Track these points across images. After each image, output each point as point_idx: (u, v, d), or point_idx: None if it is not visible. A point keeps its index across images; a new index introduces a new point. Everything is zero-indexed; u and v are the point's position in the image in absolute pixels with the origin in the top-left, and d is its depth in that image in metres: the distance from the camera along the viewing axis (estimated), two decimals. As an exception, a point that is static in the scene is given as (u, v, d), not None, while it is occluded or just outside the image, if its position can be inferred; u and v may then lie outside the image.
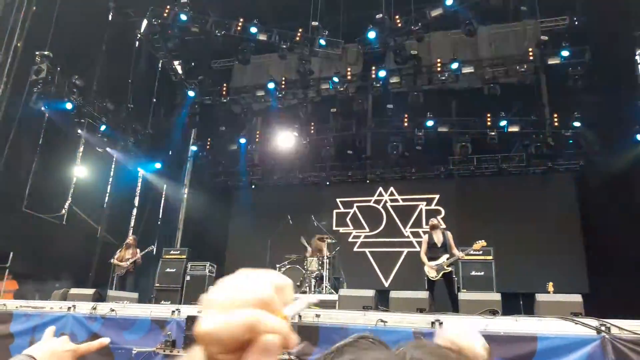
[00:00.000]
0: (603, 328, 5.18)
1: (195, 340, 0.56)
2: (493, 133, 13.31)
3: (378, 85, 13.73)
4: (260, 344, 0.53)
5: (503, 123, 13.32)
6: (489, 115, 13.38)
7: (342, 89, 13.88)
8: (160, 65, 15.20)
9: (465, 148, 13.71)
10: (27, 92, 10.92)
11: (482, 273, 9.10)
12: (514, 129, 13.35)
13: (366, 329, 6.17)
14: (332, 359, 0.55)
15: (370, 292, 7.56)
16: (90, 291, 8.61)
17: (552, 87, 13.45)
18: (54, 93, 11.53)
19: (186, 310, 7.38)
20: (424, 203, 14.67)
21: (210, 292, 0.58)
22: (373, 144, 15.22)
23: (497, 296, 7.14)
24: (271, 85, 14.48)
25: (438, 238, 8.80)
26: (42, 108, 11.30)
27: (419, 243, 14.05)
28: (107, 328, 7.29)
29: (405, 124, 13.95)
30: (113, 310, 7.45)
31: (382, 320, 6.12)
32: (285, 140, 15.04)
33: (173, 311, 7.37)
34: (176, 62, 15.37)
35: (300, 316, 6.61)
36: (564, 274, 11.76)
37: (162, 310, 7.61)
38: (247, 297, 0.55)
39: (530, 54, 12.61)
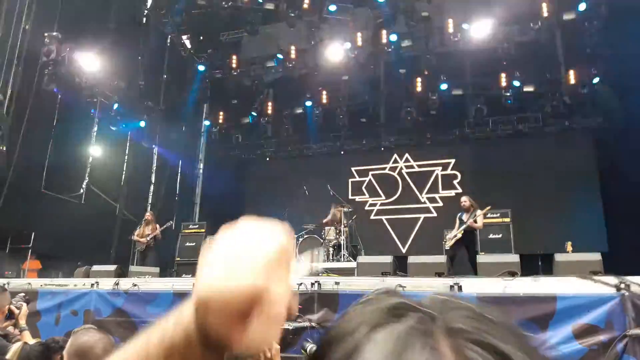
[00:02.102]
0: (622, 286, 5.15)
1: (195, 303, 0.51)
2: (508, 94, 13.12)
3: (390, 50, 13.50)
4: (265, 314, 0.50)
5: (518, 83, 13.08)
6: (503, 75, 13.15)
7: (353, 55, 13.67)
8: (169, 41, 15.10)
9: (480, 110, 13.55)
10: (38, 74, 10.95)
11: (500, 235, 9.10)
12: (530, 88, 13.13)
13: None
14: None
15: (388, 259, 7.61)
16: (112, 267, 8.78)
17: (567, 43, 13.08)
18: (65, 73, 11.55)
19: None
20: (440, 168, 14.58)
21: (212, 246, 0.54)
22: (386, 110, 15.05)
23: (515, 258, 7.14)
24: (281, 55, 14.32)
25: (467, 217, 8.97)
26: (55, 89, 11.35)
27: (436, 209, 14.11)
28: (130, 303, 7.46)
29: (419, 89, 13.77)
30: (135, 285, 7.60)
31: (400, 285, 6.16)
32: (297, 110, 14.96)
33: (194, 284, 7.49)
34: (184, 37, 15.26)
35: (319, 284, 6.69)
36: (582, 233, 11.69)
37: (183, 283, 7.75)
38: (254, 261, 0.51)
39: (545, 9, 12.24)
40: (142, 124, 14.16)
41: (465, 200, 9.15)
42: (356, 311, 0.50)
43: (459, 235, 8.87)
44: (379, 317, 0.47)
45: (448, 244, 9.07)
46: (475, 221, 8.82)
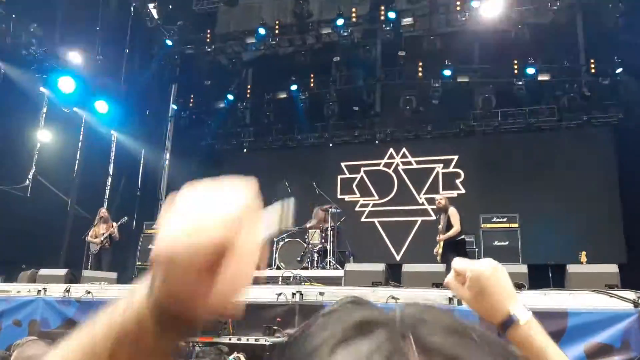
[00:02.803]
0: (642, 301, 5.28)
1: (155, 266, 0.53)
2: (520, 83, 13.23)
3: (388, 28, 13.55)
4: (230, 270, 0.52)
5: (532, 71, 13.21)
6: (515, 62, 13.25)
7: (346, 33, 13.69)
8: (132, 10, 14.97)
9: (489, 101, 13.64)
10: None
11: (507, 243, 9.22)
12: (545, 77, 13.25)
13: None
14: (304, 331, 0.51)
15: (380, 267, 7.65)
16: (62, 272, 8.73)
17: (588, 27, 13.25)
18: (10, 45, 11.41)
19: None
20: (441, 165, 14.68)
21: (174, 203, 0.56)
22: (383, 98, 15.11)
23: (523, 268, 7.22)
24: (263, 31, 14.29)
25: (442, 221, 9.01)
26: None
27: (435, 212, 14.20)
28: (83, 313, 7.42)
29: (420, 74, 13.83)
30: (89, 292, 7.57)
31: (393, 297, 6.23)
32: (280, 95, 14.97)
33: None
34: (151, 5, 15.12)
35: (302, 294, 6.74)
36: (598, 241, 11.88)
37: (145, 290, 7.72)
38: (218, 215, 0.53)
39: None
40: (100, 105, 14.04)
41: (441, 199, 9.20)
42: (318, 325, 0.50)
43: (440, 251, 8.92)
44: (343, 334, 0.47)
45: (439, 257, 9.09)
46: (450, 224, 8.86)
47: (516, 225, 9.42)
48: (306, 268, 9.91)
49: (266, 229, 0.59)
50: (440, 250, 9.02)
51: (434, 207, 14.10)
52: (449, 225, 9.00)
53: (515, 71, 13.30)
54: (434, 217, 14.13)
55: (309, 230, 10.68)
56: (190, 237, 0.52)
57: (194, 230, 0.52)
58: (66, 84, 12.99)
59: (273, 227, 0.63)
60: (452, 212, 8.98)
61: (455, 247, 8.92)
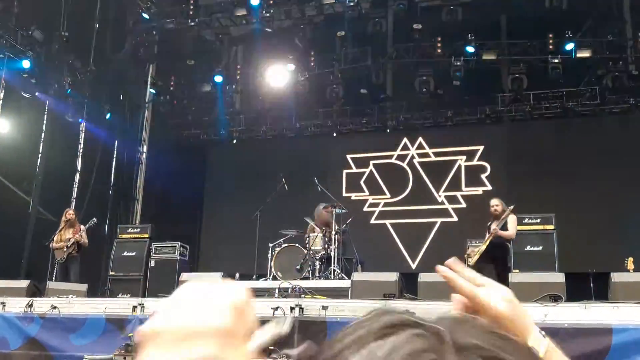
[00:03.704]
0: (699, 315, 5.28)
1: None
2: (556, 60, 13.18)
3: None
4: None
5: (570, 46, 13.17)
6: (551, 36, 13.22)
7: (352, 3, 13.66)
8: (103, -22, 14.95)
9: (519, 82, 13.61)
10: None
11: (540, 248, 9.21)
12: (585, 54, 13.19)
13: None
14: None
15: (393, 276, 7.68)
16: (23, 283, 8.77)
17: (637, -5, 13.22)
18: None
19: (151, 305, 7.54)
20: (464, 158, 14.66)
21: (153, 320, 0.62)
22: (395, 79, 15.09)
23: (559, 277, 7.24)
24: (255, 1, 14.26)
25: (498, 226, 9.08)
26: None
27: (457, 211, 14.21)
28: (48, 331, 7.48)
29: (439, 51, 13.81)
30: (55, 307, 7.61)
31: (408, 312, 6.23)
32: (276, 76, 14.94)
33: (134, 306, 7.55)
34: (125, -27, 15.13)
35: (302, 308, 6.75)
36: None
37: (119, 305, 7.78)
38: (203, 328, 0.58)
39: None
40: (66, 89, 14.05)
41: (497, 205, 9.20)
42: (345, 335, 0.55)
43: (483, 247, 8.96)
44: (373, 336, 0.52)
45: (472, 259, 9.14)
46: (504, 228, 8.92)
47: (552, 227, 9.41)
48: (307, 278, 9.91)
49: (258, 337, 0.66)
50: (478, 254, 8.96)
51: (459, 205, 14.27)
52: (503, 229, 9.01)
53: (550, 47, 13.24)
54: (455, 218, 14.20)
55: (310, 234, 10.67)
56: (182, 318, 0.59)
57: (179, 342, 0.57)
58: (27, 65, 13.01)
59: (265, 335, 0.69)
60: (513, 219, 9.01)
61: (499, 252, 8.97)
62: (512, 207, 9.03)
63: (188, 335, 0.57)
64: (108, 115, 15.28)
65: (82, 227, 10.83)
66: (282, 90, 15.02)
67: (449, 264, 0.98)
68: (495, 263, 8.92)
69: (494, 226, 9.14)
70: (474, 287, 0.97)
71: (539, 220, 9.48)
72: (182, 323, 0.58)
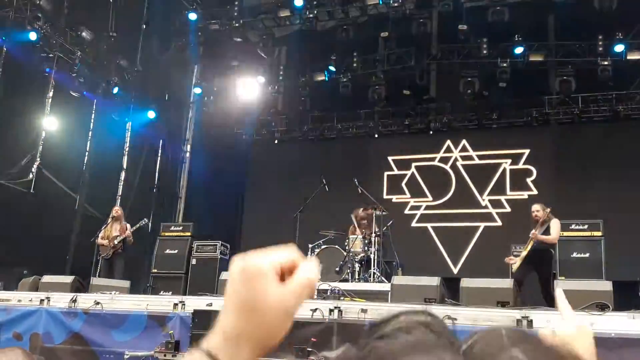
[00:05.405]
0: None
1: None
2: (606, 62, 12.96)
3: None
4: (300, 269, 0.82)
5: (620, 48, 12.90)
6: (600, 37, 12.96)
7: (396, 4, 13.59)
8: (151, -21, 15.16)
9: (567, 84, 13.39)
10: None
11: (587, 255, 9.03)
12: (636, 56, 12.92)
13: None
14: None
15: (434, 280, 7.60)
16: (68, 279, 8.92)
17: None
18: (13, 19, 11.69)
19: (192, 302, 7.60)
20: (509, 161, 14.49)
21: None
22: (439, 80, 14.96)
23: (607, 285, 7.08)
24: (299, 2, 14.29)
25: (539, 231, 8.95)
26: (-1, 40, 11.53)
27: (501, 216, 14.01)
28: (90, 326, 7.59)
29: (484, 52, 13.65)
30: (98, 303, 7.73)
31: (450, 317, 6.14)
32: (317, 77, 14.95)
33: (175, 304, 7.61)
34: (171, -26, 15.33)
35: (340, 311, 6.72)
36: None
37: (161, 302, 7.86)
38: (276, 251, 0.84)
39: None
40: (113, 89, 14.30)
41: (537, 210, 9.07)
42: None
43: (524, 254, 8.85)
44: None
45: (514, 266, 9.04)
46: (547, 232, 8.76)
47: (599, 233, 9.20)
48: (346, 280, 9.88)
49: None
50: (520, 260, 8.89)
51: (503, 210, 14.08)
52: (545, 233, 8.90)
53: (600, 49, 12.99)
54: (499, 223, 14.00)
55: (350, 236, 10.63)
56: (261, 258, 0.83)
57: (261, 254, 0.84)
58: (76, 65, 13.25)
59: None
60: (555, 222, 8.88)
61: (542, 259, 8.83)
62: (548, 209, 8.89)
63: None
64: (154, 115, 15.49)
65: (128, 225, 10.96)
66: (323, 91, 15.02)
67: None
68: (539, 270, 8.80)
69: (537, 230, 9.01)
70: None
71: (586, 227, 9.29)
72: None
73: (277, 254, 0.81)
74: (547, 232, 8.87)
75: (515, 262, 9.09)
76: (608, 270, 8.86)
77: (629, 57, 12.96)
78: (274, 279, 0.79)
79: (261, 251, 0.82)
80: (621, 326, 5.61)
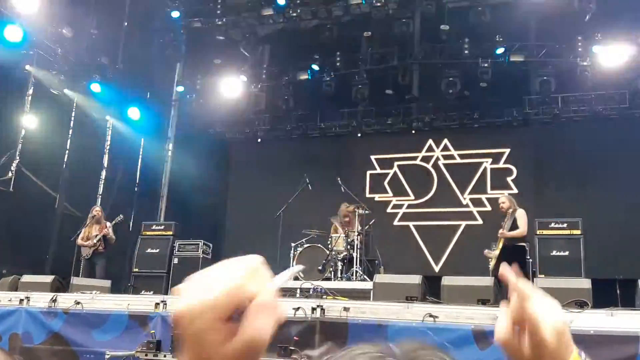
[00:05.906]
0: None
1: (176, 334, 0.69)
2: (585, 63, 13.03)
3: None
4: (253, 307, 0.70)
5: (599, 49, 12.98)
6: (579, 38, 13.07)
7: (379, 4, 13.61)
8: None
9: (547, 84, 13.48)
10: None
11: (567, 253, 9.09)
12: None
13: (410, 326, 6.26)
14: None
15: (416, 279, 7.62)
16: (48, 278, 8.85)
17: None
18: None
19: (174, 302, 7.55)
20: (490, 160, 14.57)
21: (184, 282, 0.73)
22: (421, 80, 14.99)
23: (586, 283, 7.14)
24: (282, 1, 14.27)
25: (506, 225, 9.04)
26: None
27: (482, 215, 14.10)
28: (71, 326, 7.53)
29: (466, 52, 13.71)
30: (78, 302, 7.67)
31: (431, 315, 6.20)
32: (300, 75, 14.94)
33: (157, 303, 7.57)
34: (154, -29, 15.24)
35: (323, 309, 6.72)
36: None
37: (142, 302, 7.81)
38: (225, 277, 0.72)
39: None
40: (94, 87, 14.19)
41: (503, 202, 9.22)
42: None
43: (497, 252, 8.93)
44: None
45: (490, 264, 9.14)
46: (515, 226, 8.86)
47: (578, 232, 9.27)
48: (328, 279, 9.91)
49: (278, 279, 0.78)
50: (494, 259, 8.97)
51: (484, 208, 14.15)
52: (513, 227, 8.99)
53: (580, 49, 13.09)
54: (480, 222, 14.08)
55: (332, 235, 10.65)
56: (204, 296, 0.69)
57: (206, 291, 0.69)
58: (56, 63, 13.13)
59: (284, 277, 0.81)
60: (521, 214, 9.10)
61: (514, 255, 8.84)
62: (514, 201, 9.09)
63: (213, 283, 0.71)
64: (135, 113, 15.39)
65: (108, 223, 10.92)
66: (306, 90, 15.02)
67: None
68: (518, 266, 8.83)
69: (505, 224, 9.13)
70: (531, 293, 0.92)
71: (565, 225, 9.35)
72: (206, 279, 0.72)
73: (225, 287, 0.69)
74: (514, 225, 8.97)
75: (491, 257, 9.21)
76: (587, 268, 8.94)
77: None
78: (218, 333, 0.68)
79: (206, 279, 0.71)
80: (600, 323, 5.65)
